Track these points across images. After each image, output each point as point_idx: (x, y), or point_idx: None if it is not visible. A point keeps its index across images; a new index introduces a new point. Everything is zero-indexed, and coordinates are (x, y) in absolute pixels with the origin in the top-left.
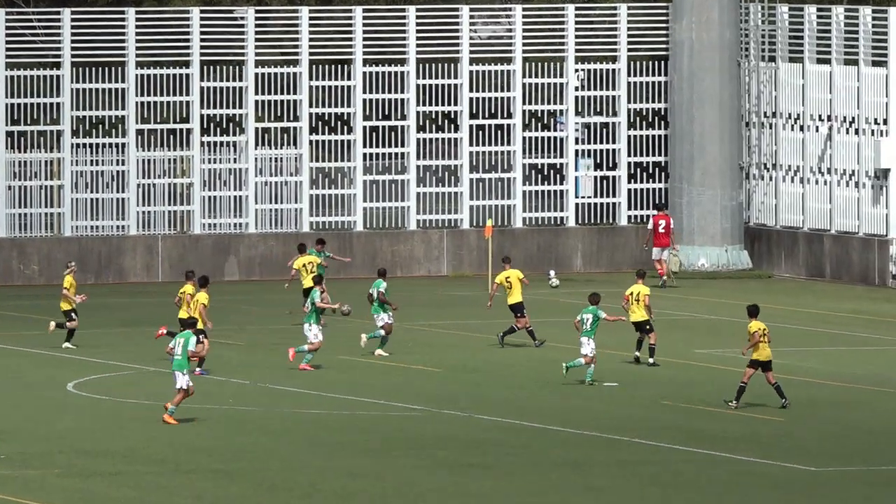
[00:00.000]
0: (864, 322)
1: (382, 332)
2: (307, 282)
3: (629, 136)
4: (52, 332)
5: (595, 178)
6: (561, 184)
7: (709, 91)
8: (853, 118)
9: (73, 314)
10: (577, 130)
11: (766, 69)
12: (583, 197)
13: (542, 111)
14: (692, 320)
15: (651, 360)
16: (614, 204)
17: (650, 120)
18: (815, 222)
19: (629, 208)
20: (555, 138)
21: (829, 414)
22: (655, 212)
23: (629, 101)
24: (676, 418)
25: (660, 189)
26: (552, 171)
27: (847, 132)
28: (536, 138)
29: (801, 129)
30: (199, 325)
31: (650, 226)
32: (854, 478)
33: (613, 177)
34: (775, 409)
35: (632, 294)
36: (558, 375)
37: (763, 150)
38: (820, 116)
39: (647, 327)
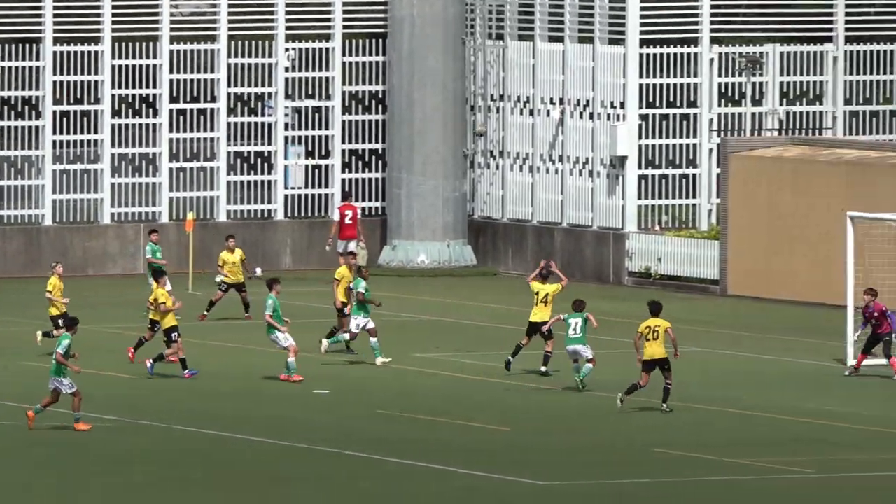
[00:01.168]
0: (598, 323)
1: (347, 337)
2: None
3: (344, 122)
4: (41, 342)
5: (306, 167)
6: (269, 173)
7: (431, 72)
8: (587, 101)
9: (59, 321)
10: (286, 115)
11: (493, 48)
12: (293, 188)
13: (249, 94)
14: (410, 321)
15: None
16: (327, 195)
17: (367, 104)
18: (545, 215)
19: (343, 199)
20: (262, 124)
21: (556, 423)
22: (341, 202)
23: (344, 83)
24: (393, 429)
25: (376, 178)
26: (259, 160)
27: (581, 116)
28: (242, 124)
29: (531, 113)
30: (172, 322)
31: (336, 217)
32: (582, 492)
33: (326, 166)
34: (502, 418)
35: (539, 294)
36: (265, 384)
37: (489, 136)
38: (551, 99)
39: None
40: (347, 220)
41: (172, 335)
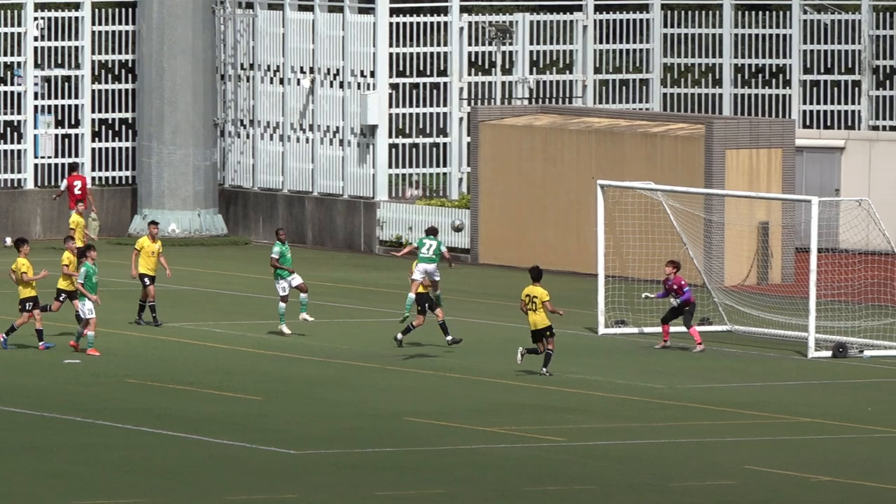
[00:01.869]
0: (349, 292)
1: (305, 296)
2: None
3: (94, 91)
4: None
5: (56, 136)
6: (19, 143)
7: (180, 41)
8: (338, 70)
9: None
10: (36, 84)
11: (243, 17)
12: (43, 157)
13: None
14: (162, 291)
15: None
16: (76, 164)
17: (116, 73)
18: (295, 184)
19: (93, 169)
20: (12, 93)
21: (308, 392)
22: (69, 173)
23: (94, 53)
24: (144, 398)
25: (127, 148)
26: (9, 129)
27: (331, 85)
28: None
29: (282, 81)
30: (31, 293)
31: (63, 187)
32: (337, 461)
33: (76, 135)
34: (254, 388)
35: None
36: (13, 353)
37: (240, 105)
38: (302, 68)
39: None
40: (77, 191)
41: (27, 304)
